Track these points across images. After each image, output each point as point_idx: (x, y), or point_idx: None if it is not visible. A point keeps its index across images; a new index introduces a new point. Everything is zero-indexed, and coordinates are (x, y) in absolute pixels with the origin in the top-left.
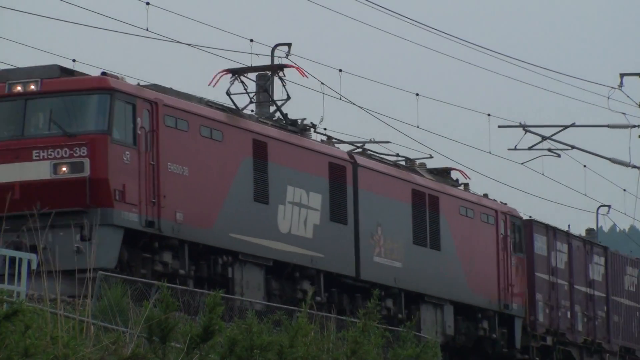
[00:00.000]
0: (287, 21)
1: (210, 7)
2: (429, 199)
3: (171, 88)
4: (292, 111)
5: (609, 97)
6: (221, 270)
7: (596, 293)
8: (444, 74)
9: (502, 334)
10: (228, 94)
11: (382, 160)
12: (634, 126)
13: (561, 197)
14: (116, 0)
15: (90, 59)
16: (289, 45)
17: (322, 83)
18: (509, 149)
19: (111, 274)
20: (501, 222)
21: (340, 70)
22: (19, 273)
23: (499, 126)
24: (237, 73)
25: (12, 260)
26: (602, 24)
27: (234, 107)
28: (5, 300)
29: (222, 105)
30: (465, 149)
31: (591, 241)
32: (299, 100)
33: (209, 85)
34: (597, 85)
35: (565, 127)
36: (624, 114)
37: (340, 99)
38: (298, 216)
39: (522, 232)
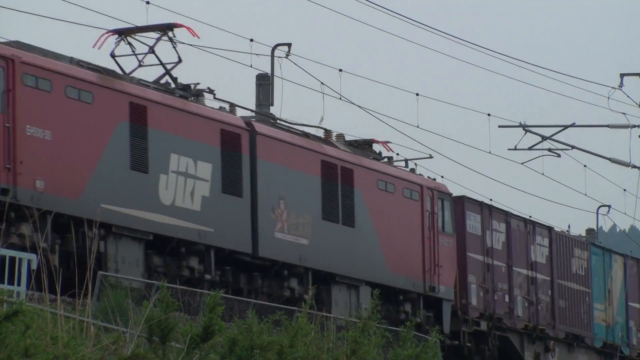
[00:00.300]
0: (287, 21)
1: (210, 7)
2: (342, 172)
3: (37, 46)
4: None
5: (609, 97)
6: (91, 244)
7: (539, 276)
8: (444, 74)
9: (428, 318)
10: (112, 56)
11: (289, 129)
12: (634, 126)
13: (561, 197)
14: (116, 0)
15: (90, 59)
16: (289, 45)
17: (322, 83)
18: (509, 149)
19: (111, 274)
20: (427, 198)
21: (340, 70)
22: (19, 273)
23: (499, 126)
24: (123, 34)
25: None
26: (602, 24)
27: (120, 70)
28: (6, 300)
29: (96, 66)
30: (465, 149)
31: (533, 221)
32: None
33: (93, 47)
34: (597, 85)
35: (565, 127)
36: (624, 114)
37: (340, 99)
38: (184, 187)
39: (451, 209)
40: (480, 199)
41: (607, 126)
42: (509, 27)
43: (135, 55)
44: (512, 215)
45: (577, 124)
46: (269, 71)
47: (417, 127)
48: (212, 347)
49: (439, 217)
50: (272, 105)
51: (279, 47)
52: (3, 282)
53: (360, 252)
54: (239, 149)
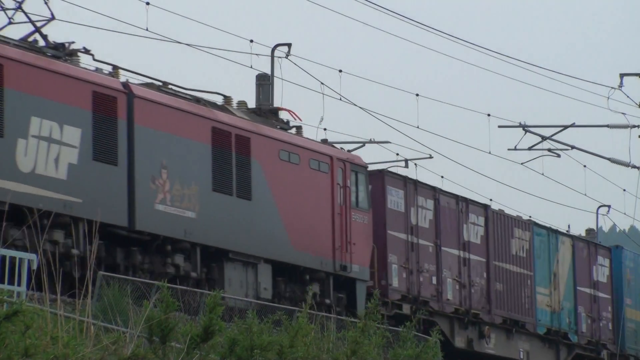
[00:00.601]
0: (287, 21)
1: (210, 7)
2: (237, 140)
3: None
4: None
5: (609, 97)
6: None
7: (472, 257)
8: (444, 74)
9: (339, 300)
10: None
11: (175, 94)
12: (634, 126)
13: (561, 197)
14: (116, 0)
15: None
16: (289, 45)
17: (322, 83)
18: (509, 149)
19: (111, 274)
20: (338, 171)
21: (340, 71)
22: (19, 273)
23: (499, 126)
24: None
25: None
26: (602, 24)
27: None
28: (6, 300)
29: None
30: (465, 149)
31: (466, 198)
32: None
33: None
34: (597, 85)
35: (565, 127)
36: (624, 114)
37: (340, 99)
38: (46, 153)
39: (366, 183)
40: (480, 199)
41: (607, 126)
42: (509, 27)
43: (4, 11)
44: (441, 192)
45: (577, 124)
46: (269, 71)
47: (417, 127)
48: (212, 347)
49: (352, 191)
50: (272, 105)
51: (279, 48)
52: (3, 282)
53: (258, 227)
54: (114, 113)
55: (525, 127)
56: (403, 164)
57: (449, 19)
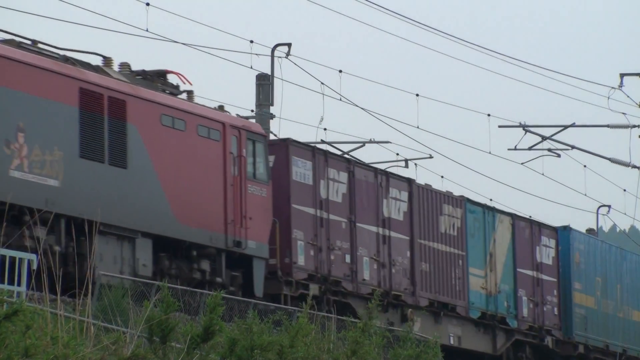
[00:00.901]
0: (287, 21)
1: (210, 7)
2: (110, 103)
3: None
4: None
5: (609, 97)
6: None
7: (394, 235)
8: (444, 74)
9: (233, 278)
10: None
11: (40, 52)
12: (634, 126)
13: (561, 197)
14: (116, 1)
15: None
16: (289, 45)
17: (322, 83)
18: (509, 149)
19: (111, 274)
20: (232, 139)
21: (340, 71)
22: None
23: (499, 126)
24: None
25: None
26: (602, 24)
27: None
28: (6, 300)
29: None
30: (465, 149)
31: (387, 171)
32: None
33: None
34: (597, 85)
35: (565, 127)
36: (624, 114)
37: (340, 99)
38: None
39: (265, 152)
40: (480, 199)
41: (607, 126)
42: (509, 27)
43: None
44: (357, 164)
45: (577, 124)
46: (269, 71)
47: (417, 127)
48: (212, 347)
49: (248, 161)
50: (272, 105)
51: (278, 48)
52: (3, 282)
53: (136, 198)
54: None
55: (525, 127)
56: (403, 164)
57: (449, 19)
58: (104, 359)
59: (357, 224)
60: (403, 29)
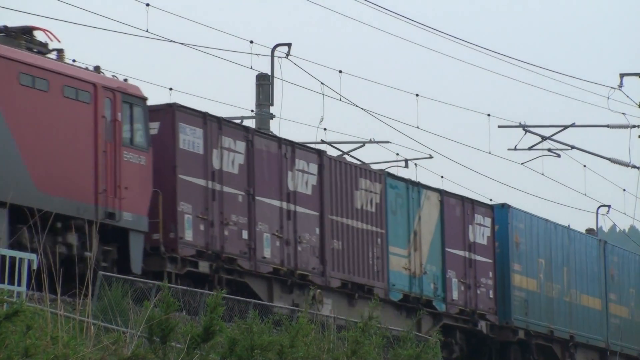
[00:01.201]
0: (287, 21)
1: (210, 7)
2: None
3: None
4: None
5: (609, 97)
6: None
7: (300, 209)
8: (444, 74)
9: (107, 254)
10: None
11: None
12: (634, 126)
13: (561, 197)
14: (116, 1)
15: (90, 59)
16: (289, 45)
17: (322, 83)
18: (509, 149)
19: (111, 274)
20: (105, 102)
21: (340, 72)
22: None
23: (499, 126)
24: None
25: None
26: (602, 24)
27: None
28: (6, 300)
29: None
30: (465, 149)
31: (293, 142)
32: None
33: None
34: (597, 85)
35: (565, 127)
36: (624, 114)
37: (340, 99)
38: None
39: (145, 117)
40: (480, 199)
41: (607, 126)
42: (509, 27)
43: None
44: (256, 133)
45: (577, 124)
46: (269, 72)
47: (417, 127)
48: (212, 347)
49: (123, 126)
50: (272, 105)
51: (278, 48)
52: (3, 282)
53: None
54: None
55: (525, 127)
56: (403, 164)
57: (449, 19)
58: (104, 359)
59: (257, 198)
60: (403, 29)
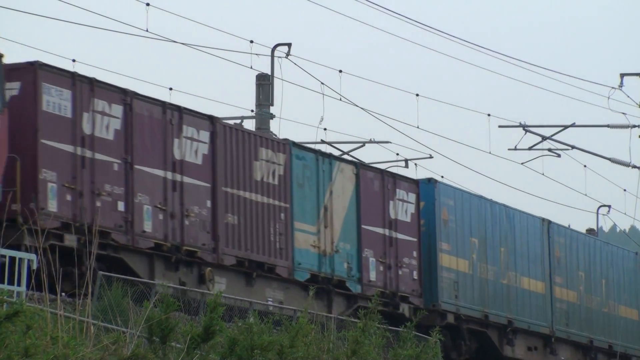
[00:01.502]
0: (287, 21)
1: (210, 7)
2: None
3: None
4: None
5: (609, 97)
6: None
7: (187, 180)
8: (444, 74)
9: None
10: None
11: None
12: (634, 126)
13: (561, 197)
14: (116, 1)
15: (90, 59)
16: (289, 45)
17: (322, 83)
18: (509, 149)
19: (111, 274)
20: None
21: (340, 71)
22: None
23: (499, 126)
24: None
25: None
26: (602, 24)
27: None
28: (6, 300)
29: None
30: (465, 149)
31: (180, 106)
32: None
33: None
34: (597, 85)
35: (565, 127)
36: (624, 114)
37: (340, 99)
38: None
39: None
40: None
41: (607, 126)
42: (509, 27)
43: None
44: (136, 96)
45: (577, 124)
46: (269, 71)
47: (417, 127)
48: (212, 347)
49: None
50: (272, 105)
51: (279, 48)
52: (3, 282)
53: None
54: None
55: (525, 127)
56: (403, 164)
57: (449, 18)
58: (104, 359)
59: (136, 167)
60: (403, 29)
